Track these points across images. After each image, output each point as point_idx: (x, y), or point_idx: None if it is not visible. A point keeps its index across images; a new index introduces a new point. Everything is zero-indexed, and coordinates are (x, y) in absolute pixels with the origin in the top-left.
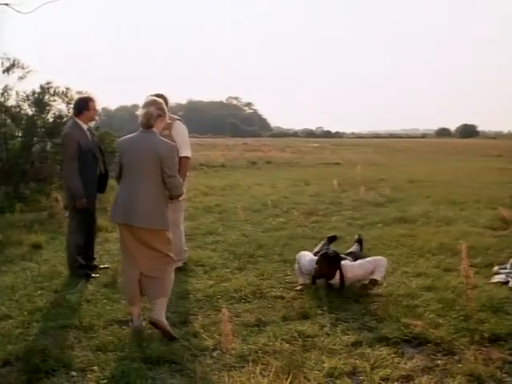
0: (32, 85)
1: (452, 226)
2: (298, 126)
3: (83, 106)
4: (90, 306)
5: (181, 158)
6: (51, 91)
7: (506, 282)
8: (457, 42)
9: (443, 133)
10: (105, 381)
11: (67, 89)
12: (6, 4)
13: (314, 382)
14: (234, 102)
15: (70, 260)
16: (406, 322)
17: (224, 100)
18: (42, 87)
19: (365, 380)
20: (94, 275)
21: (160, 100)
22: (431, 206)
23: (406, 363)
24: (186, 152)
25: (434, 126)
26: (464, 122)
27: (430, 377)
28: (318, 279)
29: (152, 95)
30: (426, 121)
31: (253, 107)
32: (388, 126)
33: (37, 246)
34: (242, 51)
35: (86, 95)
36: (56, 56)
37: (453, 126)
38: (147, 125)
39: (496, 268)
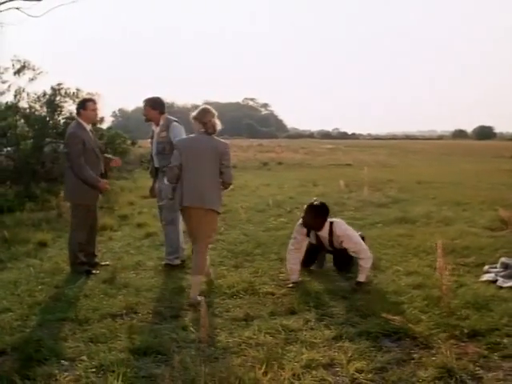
0: (43, 86)
1: (451, 226)
2: (314, 127)
3: (80, 106)
4: (88, 301)
5: None
6: (62, 92)
7: (495, 281)
8: (476, 42)
9: (460, 134)
10: (92, 369)
11: (78, 90)
12: (17, 8)
13: (289, 372)
14: (251, 103)
15: (71, 257)
16: (387, 317)
17: (240, 101)
18: (53, 88)
19: (340, 371)
20: (94, 272)
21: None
22: (434, 206)
23: (382, 356)
24: None
25: (451, 127)
26: (481, 124)
27: (403, 369)
28: (308, 231)
29: (149, 98)
30: (444, 122)
31: (269, 108)
32: (406, 127)
33: (42, 244)
34: (259, 52)
35: (86, 96)
36: (71, 57)
37: (470, 128)
38: (207, 130)
39: (486, 267)
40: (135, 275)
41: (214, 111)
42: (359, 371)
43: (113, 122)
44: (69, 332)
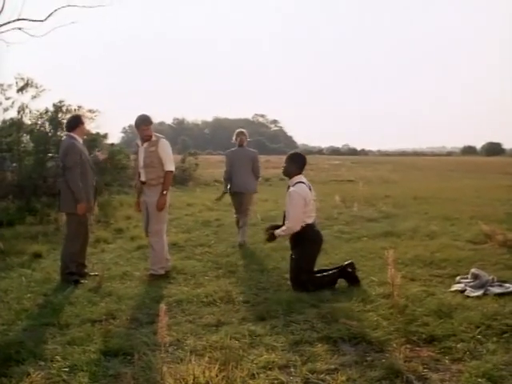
0: (45, 103)
1: (435, 239)
2: (325, 143)
3: (78, 121)
4: (71, 308)
5: (166, 171)
6: (64, 109)
7: (464, 291)
8: (484, 57)
9: (469, 151)
10: (66, 369)
11: (79, 107)
12: (19, 28)
13: (245, 372)
14: (260, 119)
15: (62, 266)
16: (345, 322)
17: (250, 117)
18: (54, 105)
19: (294, 372)
20: (82, 281)
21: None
22: (423, 221)
23: (337, 358)
24: (170, 167)
25: (461, 143)
26: (489, 140)
27: (354, 370)
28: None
29: (144, 118)
30: (454, 139)
31: (278, 125)
32: (416, 144)
33: (37, 255)
34: (268, 68)
35: (76, 113)
36: (80, 74)
37: (479, 144)
38: (242, 144)
39: (458, 278)
40: (120, 284)
41: (246, 133)
42: (312, 372)
43: (123, 137)
44: (49, 336)
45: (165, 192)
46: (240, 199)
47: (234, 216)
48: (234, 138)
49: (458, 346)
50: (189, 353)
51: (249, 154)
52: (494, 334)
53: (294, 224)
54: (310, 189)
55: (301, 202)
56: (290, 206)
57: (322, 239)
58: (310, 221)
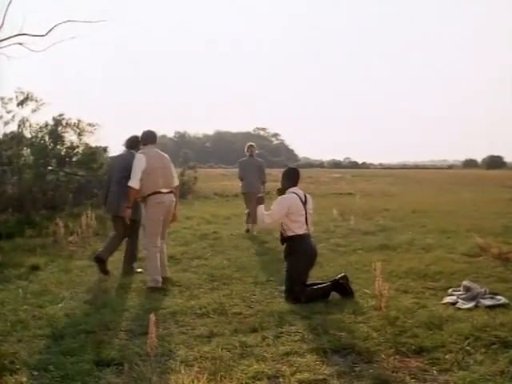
0: (45, 117)
1: (430, 252)
2: (326, 157)
3: (137, 140)
4: (67, 319)
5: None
6: (63, 123)
7: (455, 303)
8: (485, 70)
9: (470, 164)
10: (58, 379)
11: (79, 121)
12: (20, 43)
13: (234, 381)
14: (261, 132)
15: (126, 267)
16: (335, 333)
17: (251, 131)
18: (54, 119)
19: (283, 382)
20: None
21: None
22: (420, 234)
23: (326, 369)
24: (130, 182)
25: (462, 157)
26: (491, 153)
27: (342, 380)
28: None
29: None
30: (455, 152)
31: (280, 138)
32: (417, 157)
33: (35, 268)
34: (270, 82)
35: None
36: (80, 88)
37: (480, 157)
38: (252, 154)
39: (450, 290)
40: (116, 296)
41: (255, 145)
42: (300, 382)
43: (124, 150)
44: (43, 346)
45: (126, 205)
46: (249, 198)
47: (245, 212)
48: (245, 149)
49: (447, 356)
50: (179, 363)
51: (257, 163)
52: (482, 346)
53: (269, 219)
54: (304, 200)
55: (284, 205)
56: (274, 205)
57: (316, 253)
58: (300, 232)
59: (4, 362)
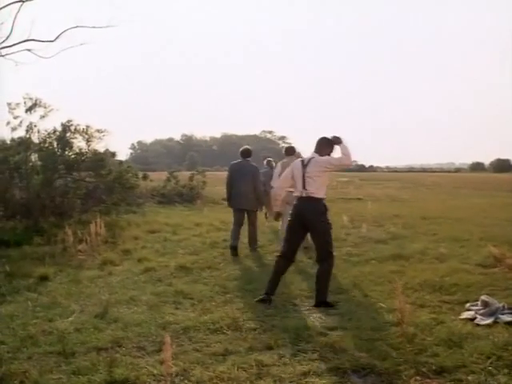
0: (53, 122)
1: (444, 263)
2: None
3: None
4: (77, 334)
5: None
6: (72, 129)
7: (474, 319)
8: (493, 73)
9: (477, 167)
10: None
11: (87, 126)
12: (29, 50)
13: None
14: (268, 135)
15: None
16: (353, 353)
17: (258, 133)
18: (63, 125)
19: None
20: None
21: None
22: (433, 243)
23: None
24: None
25: (469, 159)
26: (498, 157)
27: None
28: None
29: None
30: (462, 155)
31: (287, 141)
32: (424, 160)
33: (44, 278)
34: (277, 84)
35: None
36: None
37: (487, 160)
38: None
39: (468, 305)
40: (127, 309)
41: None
42: None
43: (131, 154)
44: (54, 364)
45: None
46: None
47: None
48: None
49: (469, 377)
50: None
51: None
52: (504, 366)
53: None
54: (305, 163)
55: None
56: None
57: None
58: (295, 194)
59: (15, 382)
